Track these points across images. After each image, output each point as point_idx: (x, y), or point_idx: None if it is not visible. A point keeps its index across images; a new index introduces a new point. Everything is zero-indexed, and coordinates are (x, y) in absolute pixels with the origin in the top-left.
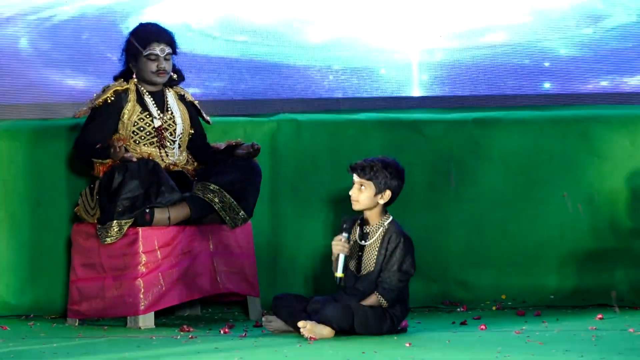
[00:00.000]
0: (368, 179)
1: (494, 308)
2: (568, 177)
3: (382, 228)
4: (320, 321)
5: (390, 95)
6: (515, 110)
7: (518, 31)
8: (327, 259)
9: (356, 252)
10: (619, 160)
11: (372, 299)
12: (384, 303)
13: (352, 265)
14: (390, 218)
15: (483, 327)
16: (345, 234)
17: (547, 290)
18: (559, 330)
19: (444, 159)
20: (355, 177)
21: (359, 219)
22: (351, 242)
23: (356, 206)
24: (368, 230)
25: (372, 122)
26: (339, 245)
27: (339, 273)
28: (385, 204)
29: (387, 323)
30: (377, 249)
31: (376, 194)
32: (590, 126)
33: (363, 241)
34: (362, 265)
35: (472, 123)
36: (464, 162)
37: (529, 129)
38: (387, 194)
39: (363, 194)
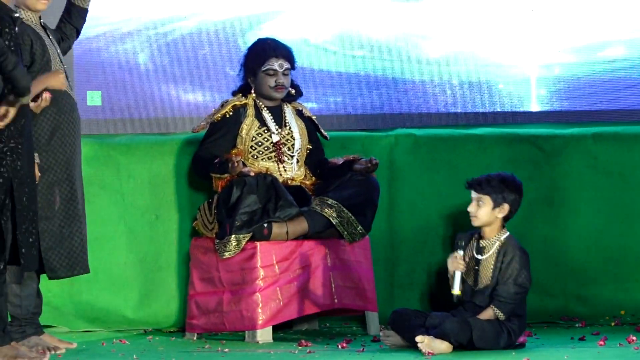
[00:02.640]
0: (485, 194)
1: (612, 324)
2: None
3: (498, 242)
4: (438, 336)
5: (509, 110)
6: (634, 124)
7: (636, 45)
8: (445, 274)
9: (472, 266)
10: None
11: (489, 313)
12: (501, 316)
13: (470, 279)
14: (507, 233)
15: (602, 342)
16: (460, 252)
17: None
18: None
19: (563, 173)
20: (473, 193)
21: (476, 233)
22: (467, 259)
23: (475, 222)
24: (484, 245)
25: (490, 137)
26: (455, 263)
27: (456, 291)
28: (504, 219)
29: (505, 337)
30: (493, 262)
31: (494, 208)
32: None
33: (479, 255)
34: (479, 279)
35: (591, 138)
36: (582, 176)
37: None
38: (505, 207)
39: (481, 210)
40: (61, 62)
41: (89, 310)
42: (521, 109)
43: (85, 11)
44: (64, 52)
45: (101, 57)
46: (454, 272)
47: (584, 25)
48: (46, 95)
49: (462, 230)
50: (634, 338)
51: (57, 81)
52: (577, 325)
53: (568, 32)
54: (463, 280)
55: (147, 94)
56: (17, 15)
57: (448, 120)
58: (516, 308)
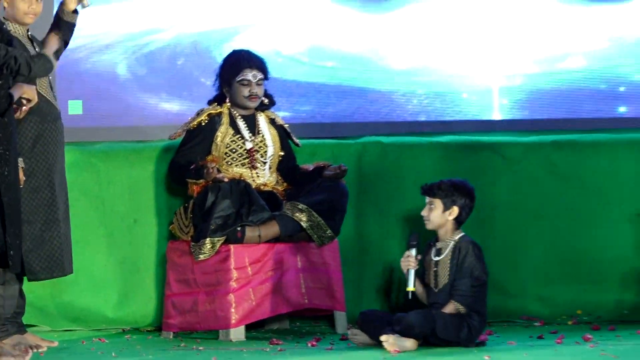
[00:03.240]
0: (436, 198)
1: (569, 323)
2: None
3: (452, 242)
4: (403, 329)
5: (472, 119)
6: (591, 133)
7: (595, 57)
8: None
9: (432, 269)
10: None
11: (450, 307)
12: (462, 309)
13: (431, 282)
14: (462, 233)
15: (559, 341)
16: (413, 250)
17: (622, 305)
18: (633, 344)
19: (523, 179)
20: (426, 198)
21: (433, 239)
22: (419, 257)
23: (428, 225)
24: (440, 246)
25: (454, 145)
26: (406, 261)
27: (410, 287)
28: (457, 222)
29: (465, 331)
30: (449, 261)
31: (444, 211)
32: None
33: (437, 257)
34: (439, 280)
35: (550, 145)
36: (542, 182)
37: (604, 151)
38: (455, 210)
39: (433, 213)
40: None
41: (71, 310)
42: (484, 118)
43: (73, 25)
44: None
45: (82, 67)
46: (407, 271)
47: (544, 37)
48: (25, 108)
49: (415, 232)
50: (590, 336)
51: (30, 90)
52: (535, 324)
53: (529, 44)
54: (426, 284)
55: (126, 103)
56: (4, 26)
57: (414, 129)
58: (476, 302)
